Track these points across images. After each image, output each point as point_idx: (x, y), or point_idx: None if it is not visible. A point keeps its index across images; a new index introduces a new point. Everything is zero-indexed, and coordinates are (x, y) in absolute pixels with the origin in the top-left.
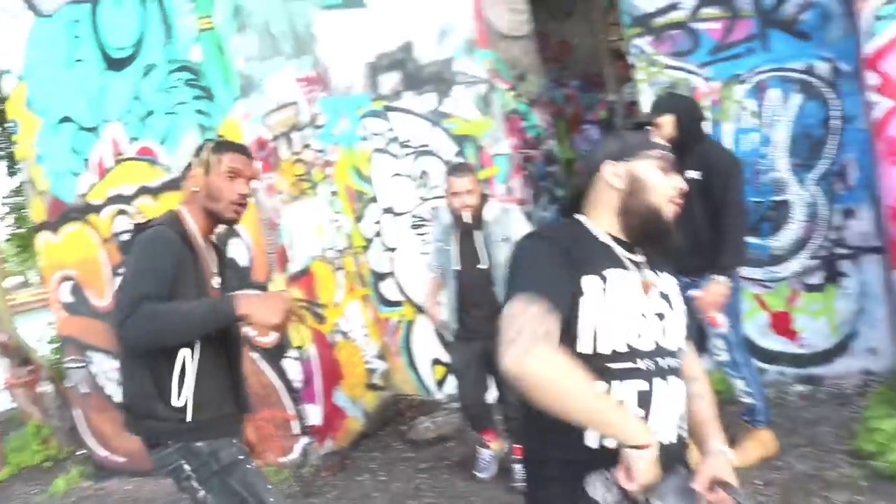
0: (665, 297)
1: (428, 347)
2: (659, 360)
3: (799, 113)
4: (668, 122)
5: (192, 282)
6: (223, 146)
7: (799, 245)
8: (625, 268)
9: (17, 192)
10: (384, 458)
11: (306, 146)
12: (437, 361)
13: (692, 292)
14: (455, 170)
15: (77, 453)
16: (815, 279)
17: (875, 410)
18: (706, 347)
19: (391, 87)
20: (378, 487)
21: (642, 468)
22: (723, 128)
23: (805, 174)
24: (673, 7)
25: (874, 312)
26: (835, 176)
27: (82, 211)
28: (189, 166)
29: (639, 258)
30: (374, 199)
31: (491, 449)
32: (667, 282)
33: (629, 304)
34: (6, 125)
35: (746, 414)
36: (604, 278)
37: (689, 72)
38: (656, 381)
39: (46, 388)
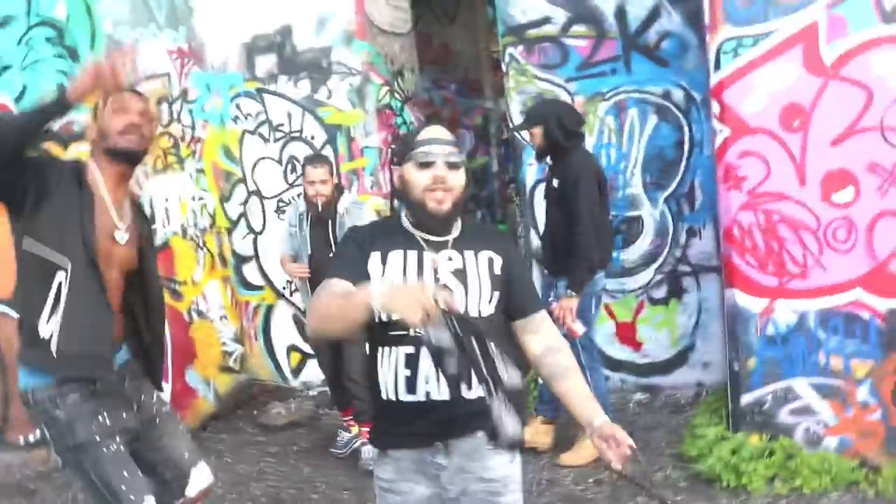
0: (460, 272)
1: (286, 334)
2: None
3: (654, 134)
4: (537, 133)
5: (76, 216)
6: (112, 94)
7: (647, 260)
8: (416, 248)
9: None
10: (233, 441)
11: (175, 120)
12: (294, 348)
13: (552, 301)
14: (312, 160)
15: None
16: (660, 293)
17: (701, 418)
18: None
19: (267, 69)
20: (222, 468)
21: (397, 303)
22: (586, 142)
23: (656, 193)
24: (546, 21)
25: (710, 327)
26: (683, 197)
27: None
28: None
29: (441, 239)
30: (241, 181)
31: (350, 431)
32: (470, 259)
33: (403, 277)
34: None
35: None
36: (385, 257)
37: (557, 84)
38: (424, 347)
39: None
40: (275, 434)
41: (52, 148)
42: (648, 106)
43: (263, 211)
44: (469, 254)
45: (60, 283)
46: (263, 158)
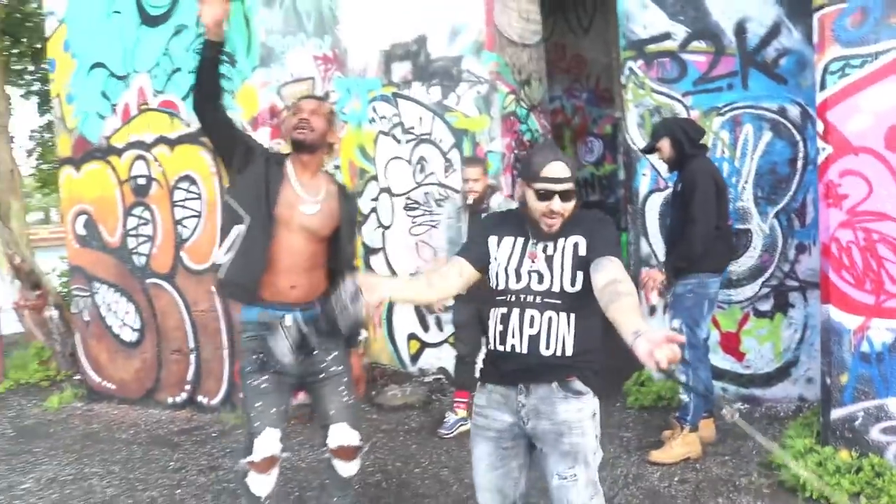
0: (549, 259)
1: (407, 323)
2: (522, 296)
3: (768, 150)
4: (665, 146)
5: (264, 187)
6: (300, 99)
7: (755, 273)
8: (524, 237)
9: (45, 129)
10: None
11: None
12: (413, 336)
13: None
14: (468, 161)
15: (74, 377)
16: (766, 306)
17: (794, 430)
18: None
19: (402, 75)
20: None
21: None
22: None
23: (767, 207)
24: (666, 36)
25: (816, 343)
26: (794, 212)
27: (105, 152)
28: None
29: (540, 234)
30: (374, 178)
31: (457, 415)
32: (560, 247)
33: (510, 259)
34: (42, 65)
35: (680, 412)
36: (500, 240)
37: (674, 98)
38: (515, 309)
39: (52, 313)
40: (388, 414)
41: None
42: (764, 122)
43: (392, 207)
44: (560, 241)
45: (239, 232)
46: (395, 158)
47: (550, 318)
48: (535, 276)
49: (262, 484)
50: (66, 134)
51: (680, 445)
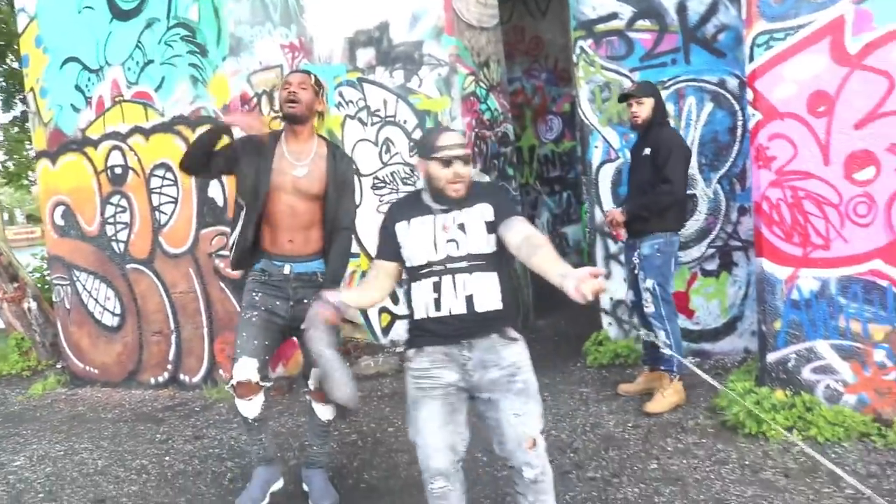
0: (461, 226)
1: None
2: (448, 265)
3: (710, 119)
4: (647, 104)
5: (255, 158)
6: (289, 74)
7: (701, 235)
8: (431, 213)
9: (9, 125)
10: None
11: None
12: (384, 310)
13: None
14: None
15: (55, 366)
16: (711, 266)
17: (736, 376)
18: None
19: (366, 61)
20: None
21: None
22: None
23: (710, 173)
24: (613, 16)
25: None
26: (735, 177)
27: (80, 143)
28: None
29: (446, 206)
30: None
31: None
32: (468, 215)
33: (424, 235)
34: (5, 62)
35: (664, 365)
36: (409, 222)
37: (622, 74)
38: (445, 277)
39: (31, 304)
40: (362, 382)
41: (184, 130)
42: (705, 94)
43: (361, 187)
44: (466, 210)
45: (240, 215)
46: (362, 140)
47: (478, 279)
48: (451, 245)
49: (246, 407)
50: (41, 127)
51: (670, 395)
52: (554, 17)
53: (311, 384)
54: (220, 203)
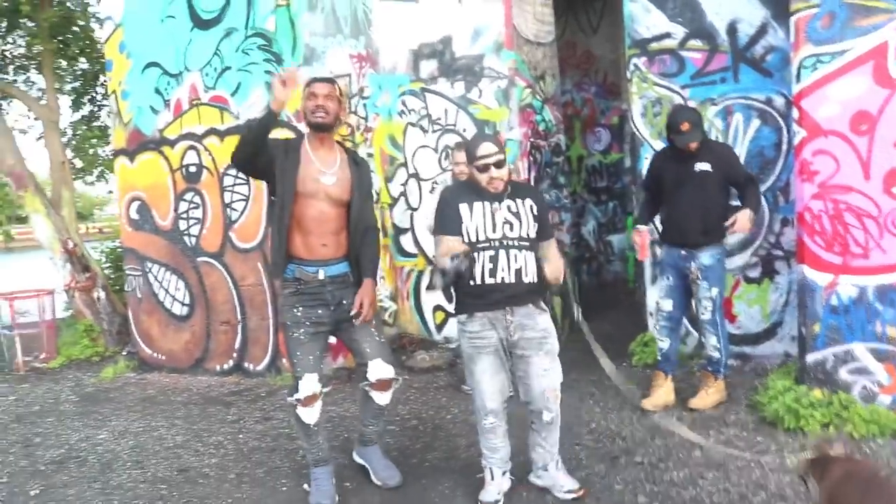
0: (514, 213)
1: (433, 295)
2: (504, 241)
3: (756, 136)
4: (699, 134)
5: (288, 165)
6: (309, 81)
7: (745, 244)
8: (485, 200)
9: (79, 124)
10: None
11: (352, 112)
12: (439, 308)
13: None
14: (458, 146)
15: (123, 353)
16: (754, 273)
17: (776, 375)
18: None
19: (429, 72)
20: None
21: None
22: None
23: None
24: (666, 35)
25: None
26: (779, 190)
27: (158, 143)
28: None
29: (494, 196)
30: (403, 165)
31: None
32: (521, 205)
33: (484, 215)
34: (78, 64)
35: (711, 365)
36: (470, 206)
37: (674, 91)
38: (500, 252)
39: (100, 293)
40: (419, 375)
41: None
42: (752, 111)
43: (420, 190)
44: (519, 202)
45: (275, 219)
46: (422, 146)
47: (525, 257)
48: (507, 227)
49: (309, 414)
50: (121, 127)
51: (714, 392)
52: (604, 34)
53: (370, 376)
54: None
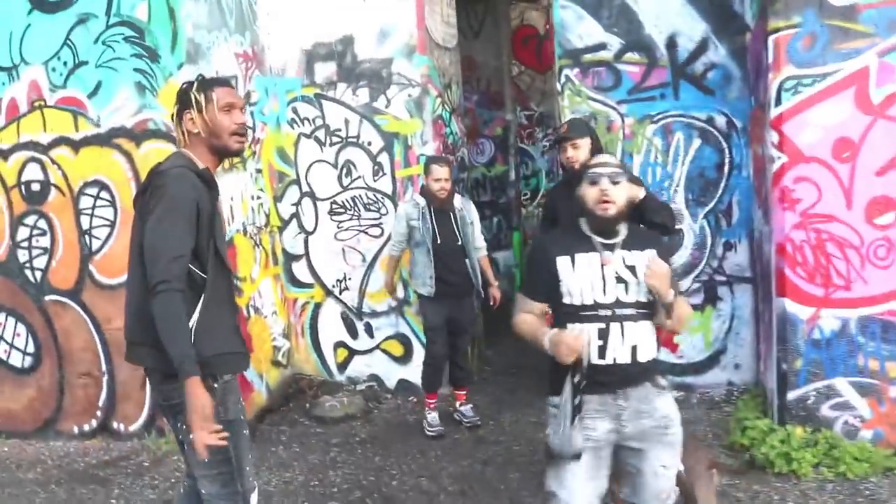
0: (630, 268)
1: (334, 330)
2: (616, 310)
3: (697, 156)
4: (585, 146)
5: (208, 223)
6: (208, 83)
7: (687, 269)
8: (594, 250)
9: None
10: (293, 432)
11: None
12: (340, 344)
13: None
14: (437, 160)
15: None
16: (696, 300)
17: (745, 413)
18: None
19: (326, 76)
20: (294, 458)
21: (562, 349)
22: (634, 160)
23: (697, 209)
24: (602, 47)
25: (742, 333)
26: (721, 213)
27: None
28: (177, 113)
29: (610, 242)
30: (295, 182)
31: (431, 413)
32: (637, 257)
33: (591, 274)
34: None
35: None
36: (573, 259)
37: (609, 106)
38: (613, 324)
39: None
40: (331, 426)
41: (125, 144)
42: (693, 130)
43: (316, 212)
44: (636, 252)
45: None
46: (318, 161)
47: (643, 327)
48: (621, 288)
49: None
50: None
51: None
52: (487, 39)
53: None
54: None
